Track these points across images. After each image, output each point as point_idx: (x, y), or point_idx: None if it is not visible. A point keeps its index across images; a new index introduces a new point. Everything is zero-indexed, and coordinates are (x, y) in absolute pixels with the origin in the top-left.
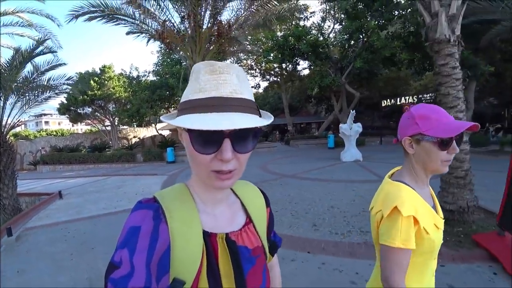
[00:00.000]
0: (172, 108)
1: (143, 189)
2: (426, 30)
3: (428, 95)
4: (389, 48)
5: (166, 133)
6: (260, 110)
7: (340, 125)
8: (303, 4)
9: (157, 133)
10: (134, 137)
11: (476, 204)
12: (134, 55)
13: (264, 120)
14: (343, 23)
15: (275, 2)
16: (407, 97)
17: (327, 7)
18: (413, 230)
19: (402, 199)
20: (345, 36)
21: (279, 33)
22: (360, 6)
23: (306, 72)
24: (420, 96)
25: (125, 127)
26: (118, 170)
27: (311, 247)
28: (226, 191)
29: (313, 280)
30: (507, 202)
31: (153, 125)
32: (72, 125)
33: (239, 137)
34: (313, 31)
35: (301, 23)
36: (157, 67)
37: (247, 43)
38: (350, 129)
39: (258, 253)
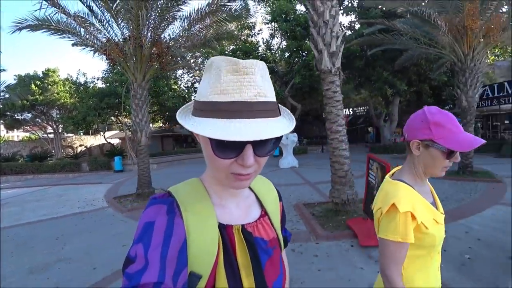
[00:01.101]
0: (123, 117)
1: (86, 196)
2: (315, 63)
3: (362, 108)
4: None
5: (115, 141)
6: (280, 108)
7: None
8: (251, 22)
9: (105, 142)
10: (81, 145)
11: (356, 198)
12: (83, 60)
13: (287, 126)
14: (286, 42)
15: (215, 26)
16: (345, 109)
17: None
18: (410, 225)
19: (399, 196)
20: (287, 54)
21: (229, 47)
22: (298, 29)
23: None
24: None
25: (70, 135)
26: (60, 180)
27: None
28: None
29: None
30: (366, 193)
31: (101, 133)
32: (7, 132)
33: (261, 142)
34: (261, 47)
35: (250, 38)
36: (106, 74)
37: (191, 59)
38: (287, 138)
39: (274, 244)
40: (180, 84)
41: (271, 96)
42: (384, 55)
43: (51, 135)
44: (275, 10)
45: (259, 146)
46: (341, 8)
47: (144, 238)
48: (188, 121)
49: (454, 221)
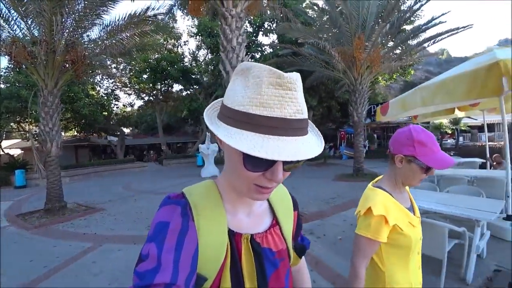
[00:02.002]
0: (26, 124)
1: None
2: (224, 83)
3: None
4: None
5: (15, 152)
6: (309, 123)
7: (200, 145)
8: (178, 33)
9: (2, 152)
10: None
11: None
12: None
13: (318, 145)
14: (211, 55)
15: (137, 38)
16: None
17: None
18: (383, 226)
19: (375, 201)
20: (211, 67)
21: (153, 56)
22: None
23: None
24: None
25: None
26: None
27: (139, 240)
28: None
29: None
30: None
31: None
32: None
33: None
34: (187, 58)
35: (176, 49)
36: (7, 73)
37: (113, 64)
38: (208, 148)
39: (282, 256)
40: (99, 90)
41: (306, 113)
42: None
43: None
44: (200, 25)
45: (288, 162)
46: (261, 29)
47: (157, 238)
48: (221, 130)
49: (338, 213)
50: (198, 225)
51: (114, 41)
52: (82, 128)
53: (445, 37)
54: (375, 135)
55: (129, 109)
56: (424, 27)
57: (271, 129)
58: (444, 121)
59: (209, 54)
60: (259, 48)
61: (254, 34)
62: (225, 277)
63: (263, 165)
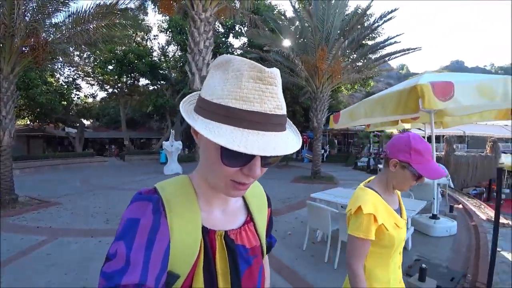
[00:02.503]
0: None
1: None
2: (189, 83)
3: None
4: None
5: None
6: (287, 121)
7: (163, 142)
8: (147, 26)
9: None
10: None
11: None
12: None
13: (296, 142)
14: (180, 52)
15: (104, 30)
16: None
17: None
18: (372, 225)
19: (365, 200)
20: (180, 64)
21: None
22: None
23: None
24: None
25: None
26: None
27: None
28: None
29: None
30: None
31: None
32: None
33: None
34: (156, 52)
35: (145, 42)
36: None
37: (75, 51)
38: (172, 146)
39: (256, 253)
40: (59, 78)
41: (285, 109)
42: None
43: None
44: (171, 21)
45: (265, 157)
46: (232, 31)
47: (127, 236)
48: (199, 123)
49: (291, 211)
50: (170, 222)
51: (79, 29)
52: (37, 117)
53: (398, 56)
54: (336, 141)
55: (90, 100)
56: (381, 45)
57: (251, 123)
58: (395, 131)
59: (179, 51)
60: (229, 50)
61: (225, 35)
62: (198, 275)
63: (241, 160)
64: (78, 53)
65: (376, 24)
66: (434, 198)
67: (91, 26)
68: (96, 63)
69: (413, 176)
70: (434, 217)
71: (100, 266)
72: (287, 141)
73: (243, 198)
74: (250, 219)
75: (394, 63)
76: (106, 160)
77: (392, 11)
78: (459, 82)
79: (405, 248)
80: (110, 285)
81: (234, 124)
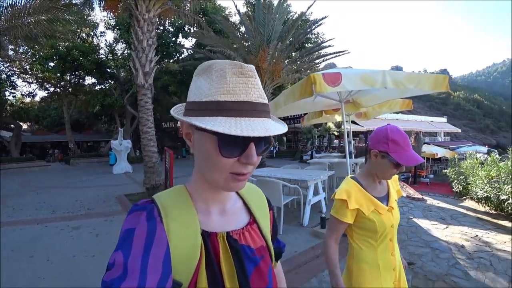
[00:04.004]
0: None
1: None
2: (133, 78)
3: None
4: (161, 81)
5: None
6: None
7: (111, 141)
8: (93, 22)
9: None
10: None
11: (162, 182)
12: None
13: (282, 126)
14: (128, 51)
15: (45, 23)
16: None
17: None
18: (346, 209)
19: (340, 188)
20: (129, 62)
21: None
22: None
23: (96, 87)
24: None
25: None
26: None
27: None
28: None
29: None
30: (166, 174)
31: None
32: None
33: (260, 141)
34: (103, 50)
35: (91, 39)
36: None
37: (10, 46)
38: (121, 145)
39: (262, 253)
40: None
41: (266, 99)
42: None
43: None
44: (119, 18)
45: (258, 145)
46: (182, 31)
47: (123, 246)
48: (194, 119)
49: None
50: (167, 227)
51: (20, 22)
52: None
53: (329, 58)
54: (285, 138)
55: (28, 100)
56: (317, 47)
57: (241, 112)
58: (332, 125)
59: (127, 50)
60: (178, 49)
61: (175, 35)
62: (201, 279)
63: (237, 149)
64: (12, 46)
65: (308, 30)
66: (347, 172)
67: (32, 20)
68: (35, 59)
69: (392, 165)
70: None
71: (48, 245)
72: (276, 125)
73: (242, 198)
74: (253, 220)
75: (340, 64)
76: (49, 165)
77: (323, 18)
78: (346, 73)
79: (320, 212)
80: None
81: (226, 115)
